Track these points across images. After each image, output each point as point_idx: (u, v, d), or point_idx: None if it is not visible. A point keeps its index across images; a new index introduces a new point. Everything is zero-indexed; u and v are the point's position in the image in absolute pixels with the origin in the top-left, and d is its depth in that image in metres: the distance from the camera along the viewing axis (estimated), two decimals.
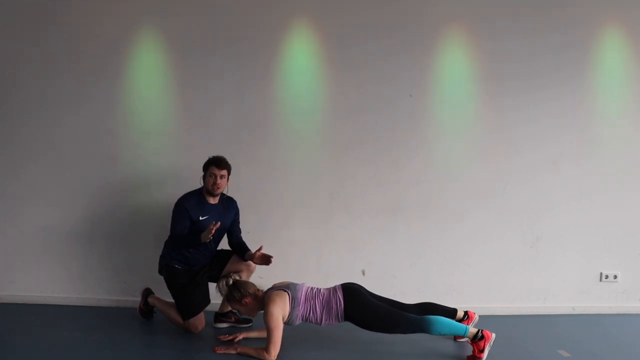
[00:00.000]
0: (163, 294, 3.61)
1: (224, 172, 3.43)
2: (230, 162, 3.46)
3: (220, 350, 3.13)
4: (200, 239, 3.28)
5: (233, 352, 3.12)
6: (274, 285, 3.24)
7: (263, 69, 3.91)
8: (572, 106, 3.97)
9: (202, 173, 3.46)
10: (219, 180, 3.40)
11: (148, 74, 3.93)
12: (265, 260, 3.35)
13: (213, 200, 3.46)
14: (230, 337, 3.23)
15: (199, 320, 3.42)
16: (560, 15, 3.94)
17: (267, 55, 3.91)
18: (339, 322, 3.14)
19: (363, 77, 3.93)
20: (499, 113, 3.96)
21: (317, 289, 3.20)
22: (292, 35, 3.93)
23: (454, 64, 3.96)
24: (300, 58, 3.94)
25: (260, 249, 3.39)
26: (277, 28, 3.91)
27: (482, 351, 3.00)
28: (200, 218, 3.39)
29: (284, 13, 3.92)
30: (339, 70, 3.93)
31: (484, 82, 3.96)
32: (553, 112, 3.96)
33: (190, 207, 3.37)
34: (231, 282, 3.17)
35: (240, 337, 3.26)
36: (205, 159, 3.46)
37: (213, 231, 3.23)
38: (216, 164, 3.40)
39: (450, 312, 3.28)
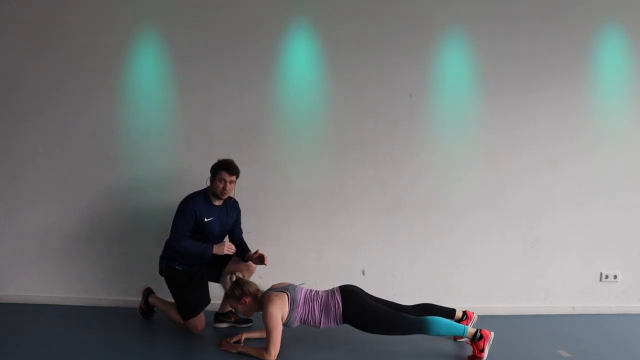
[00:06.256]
0: (163, 294, 3.61)
1: (234, 177, 3.39)
2: None
3: (224, 348, 3.16)
4: (212, 249, 3.34)
5: (233, 351, 3.13)
6: (273, 286, 3.24)
7: (263, 70, 3.91)
8: (572, 106, 3.97)
9: (209, 175, 3.42)
10: (228, 186, 3.37)
11: (149, 75, 3.92)
12: (260, 260, 3.36)
13: (218, 202, 3.45)
14: (236, 339, 3.23)
15: (199, 321, 3.42)
16: (560, 17, 3.94)
17: (268, 56, 3.91)
18: (338, 324, 3.13)
19: (363, 78, 3.93)
20: (499, 113, 3.96)
21: (316, 291, 3.20)
22: (292, 36, 3.93)
23: (454, 65, 3.96)
24: (300, 59, 3.94)
25: (257, 251, 3.40)
26: (277, 30, 3.91)
27: (482, 351, 3.00)
28: (206, 219, 3.37)
29: (284, 15, 3.92)
30: (339, 70, 3.93)
31: (484, 83, 3.96)
32: (553, 112, 3.96)
33: (197, 208, 3.35)
34: (234, 278, 3.17)
35: (243, 337, 3.26)
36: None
37: (228, 251, 3.35)
38: (227, 170, 3.34)
39: (449, 313, 3.28)
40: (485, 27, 3.94)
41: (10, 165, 3.93)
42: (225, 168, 3.35)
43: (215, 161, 3.41)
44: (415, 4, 3.94)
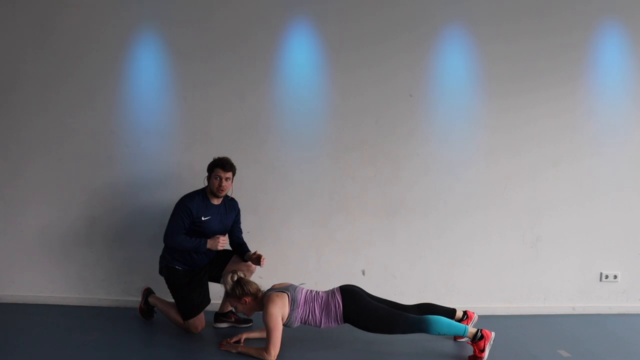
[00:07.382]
0: (163, 294, 3.61)
1: (229, 174, 3.41)
2: None
3: (224, 348, 3.16)
4: (206, 244, 3.34)
5: (233, 351, 3.13)
6: (273, 286, 3.24)
7: (264, 70, 3.91)
8: (571, 107, 3.97)
9: (206, 174, 3.45)
10: (224, 183, 3.39)
11: (149, 75, 3.92)
12: (257, 260, 3.35)
13: (216, 201, 3.46)
14: (236, 339, 3.23)
15: (199, 321, 3.42)
16: (559, 17, 3.95)
17: (268, 57, 3.91)
18: (338, 324, 3.14)
19: (363, 78, 3.93)
20: (499, 113, 3.96)
21: (316, 291, 3.20)
22: (293, 37, 3.93)
23: (454, 65, 3.96)
24: (301, 59, 3.94)
25: (255, 252, 3.40)
26: (277, 30, 3.91)
27: (482, 351, 3.00)
28: (203, 218, 3.38)
29: (284, 15, 3.92)
30: (339, 71, 3.93)
31: (483, 83, 3.96)
32: (553, 112, 3.96)
33: (194, 207, 3.36)
34: (236, 277, 3.17)
35: (243, 337, 3.26)
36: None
37: (222, 246, 3.33)
38: (222, 167, 3.38)
39: (449, 312, 3.28)
40: (485, 28, 3.94)
41: (10, 165, 3.93)
42: (219, 165, 3.38)
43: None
44: (415, 4, 3.94)
